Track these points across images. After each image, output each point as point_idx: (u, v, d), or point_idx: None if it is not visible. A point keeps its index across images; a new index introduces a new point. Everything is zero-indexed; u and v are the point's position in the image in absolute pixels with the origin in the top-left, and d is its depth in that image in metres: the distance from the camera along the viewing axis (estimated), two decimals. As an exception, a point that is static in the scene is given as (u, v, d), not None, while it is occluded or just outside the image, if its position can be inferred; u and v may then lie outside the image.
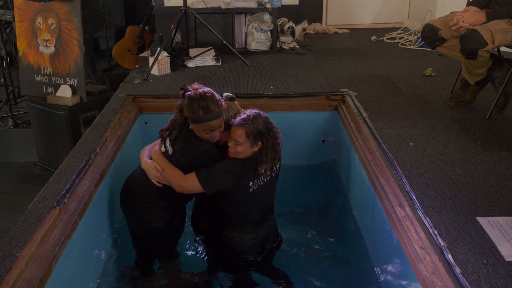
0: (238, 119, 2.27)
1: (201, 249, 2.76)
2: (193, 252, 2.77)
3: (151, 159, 2.40)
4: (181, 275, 2.64)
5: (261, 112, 2.32)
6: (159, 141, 2.43)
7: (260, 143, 2.26)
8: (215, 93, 2.27)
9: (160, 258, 2.65)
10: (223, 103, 2.28)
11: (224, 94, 2.38)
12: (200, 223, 2.72)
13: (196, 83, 2.32)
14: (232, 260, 2.52)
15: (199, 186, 2.25)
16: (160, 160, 2.33)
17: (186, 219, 2.78)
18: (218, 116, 2.21)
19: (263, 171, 2.29)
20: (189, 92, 2.23)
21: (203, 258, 2.73)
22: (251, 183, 2.30)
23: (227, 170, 2.28)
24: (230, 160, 2.31)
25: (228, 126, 2.30)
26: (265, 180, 2.36)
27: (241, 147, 2.25)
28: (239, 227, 2.41)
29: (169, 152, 2.33)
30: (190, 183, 2.26)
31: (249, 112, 2.29)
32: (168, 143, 2.34)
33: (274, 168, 2.40)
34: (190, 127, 2.28)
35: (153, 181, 2.35)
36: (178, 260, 2.70)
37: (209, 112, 2.18)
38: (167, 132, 2.35)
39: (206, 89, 2.26)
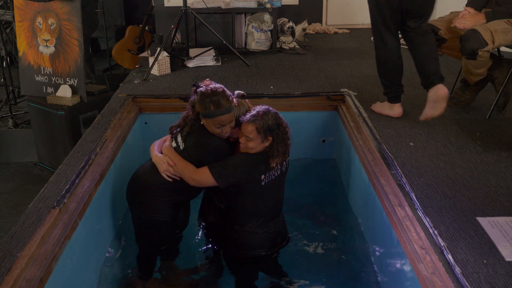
0: (248, 115, 2.31)
1: (207, 244, 2.77)
2: (198, 249, 2.77)
3: (161, 153, 2.43)
4: (185, 271, 2.64)
5: (271, 108, 2.37)
6: (168, 136, 2.47)
7: (270, 138, 2.31)
8: (226, 89, 2.31)
9: (162, 255, 2.66)
10: (234, 100, 2.33)
11: (236, 92, 2.43)
12: (208, 219, 2.73)
13: (208, 79, 2.38)
14: (241, 254, 2.53)
15: (212, 179, 2.29)
16: (172, 155, 2.37)
17: (189, 215, 2.79)
18: (228, 111, 2.26)
19: (274, 164, 2.34)
20: (201, 88, 2.29)
21: (210, 252, 2.74)
22: (263, 176, 2.33)
23: (239, 164, 2.32)
24: (242, 154, 2.35)
25: (238, 123, 2.34)
26: (276, 174, 2.39)
27: (252, 143, 2.29)
28: (252, 222, 2.43)
29: (181, 148, 2.36)
30: (203, 176, 2.30)
31: (259, 108, 2.34)
32: (179, 138, 2.38)
33: (284, 162, 2.43)
34: (201, 122, 2.32)
35: (163, 175, 2.38)
36: (178, 259, 2.70)
37: (220, 107, 2.23)
38: (178, 128, 2.39)
39: (218, 85, 2.32)
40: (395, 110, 3.11)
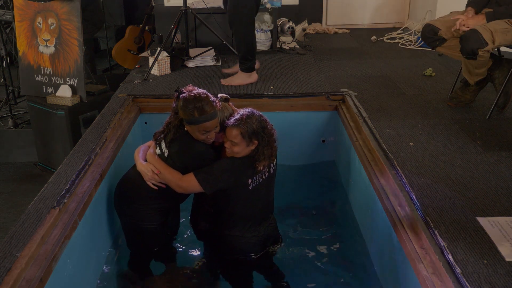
0: (232, 120, 2.27)
1: (201, 248, 2.77)
2: (192, 252, 2.77)
3: (146, 161, 2.40)
4: (180, 274, 2.64)
5: (255, 111, 2.33)
6: (152, 142, 2.43)
7: (256, 141, 2.27)
8: (209, 94, 2.28)
9: (156, 258, 2.65)
10: (218, 104, 2.29)
11: (219, 95, 2.39)
12: (199, 224, 2.72)
13: (190, 85, 2.33)
14: (233, 259, 2.52)
15: (198, 186, 2.26)
16: (157, 163, 2.34)
17: (181, 219, 2.78)
18: (213, 117, 2.22)
19: (261, 168, 2.31)
20: (183, 94, 2.24)
21: (203, 257, 2.73)
22: (250, 181, 2.31)
23: (225, 169, 2.29)
24: (228, 159, 2.32)
25: (223, 127, 2.30)
26: (264, 177, 2.37)
27: (237, 147, 2.26)
28: (240, 226, 2.41)
29: (165, 155, 2.33)
30: (189, 183, 2.27)
31: (243, 111, 2.30)
32: (163, 145, 2.34)
33: (272, 164, 2.41)
34: (185, 129, 2.29)
35: (149, 183, 2.35)
36: (175, 261, 2.70)
37: (204, 113, 2.19)
38: (162, 135, 2.35)
39: (201, 90, 2.27)
40: (254, 76, 3.86)
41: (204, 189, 2.27)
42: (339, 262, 2.71)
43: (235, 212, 2.40)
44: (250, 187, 2.32)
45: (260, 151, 2.28)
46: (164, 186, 2.35)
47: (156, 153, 2.38)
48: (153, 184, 2.35)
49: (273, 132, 2.33)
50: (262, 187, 2.39)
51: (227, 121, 2.29)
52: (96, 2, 5.22)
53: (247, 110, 2.31)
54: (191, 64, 4.32)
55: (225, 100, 2.41)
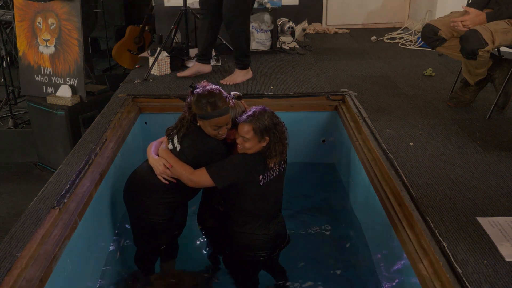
0: (244, 116, 2.31)
1: (205, 246, 2.77)
2: (196, 250, 2.77)
3: (158, 155, 2.42)
4: (183, 273, 2.64)
5: (267, 108, 2.36)
6: (165, 138, 2.46)
7: (267, 138, 2.29)
8: (222, 90, 2.31)
9: (161, 255, 2.66)
10: (231, 101, 2.33)
11: (232, 93, 2.42)
12: (206, 221, 2.73)
13: (205, 81, 2.38)
14: (241, 256, 2.52)
15: (210, 180, 2.28)
16: (169, 157, 2.36)
17: (187, 215, 2.79)
18: (225, 112, 2.25)
19: (272, 164, 2.33)
20: (197, 89, 2.29)
21: (209, 254, 2.74)
22: (261, 177, 2.33)
23: (237, 164, 2.31)
24: (240, 155, 2.34)
25: (235, 124, 2.33)
26: (274, 174, 2.39)
27: (249, 143, 2.28)
28: (251, 223, 2.42)
29: (177, 149, 2.36)
30: (201, 178, 2.30)
31: (255, 108, 2.33)
32: (176, 140, 2.37)
33: (282, 162, 2.43)
34: (198, 124, 2.32)
35: (160, 177, 2.37)
36: (175, 260, 2.71)
37: (216, 109, 2.23)
38: (175, 130, 2.38)
39: (214, 86, 2.32)
40: (250, 72, 3.96)
41: (216, 183, 2.29)
42: (339, 261, 2.71)
43: (246, 209, 2.41)
44: (261, 183, 2.34)
45: (271, 147, 2.30)
46: (175, 181, 2.37)
47: (168, 148, 2.40)
48: (164, 178, 2.37)
49: (284, 130, 2.37)
50: (273, 185, 2.40)
51: (239, 117, 2.33)
52: (89, 3, 5.20)
53: (259, 107, 2.35)
54: (191, 64, 4.31)
55: (238, 98, 2.44)
